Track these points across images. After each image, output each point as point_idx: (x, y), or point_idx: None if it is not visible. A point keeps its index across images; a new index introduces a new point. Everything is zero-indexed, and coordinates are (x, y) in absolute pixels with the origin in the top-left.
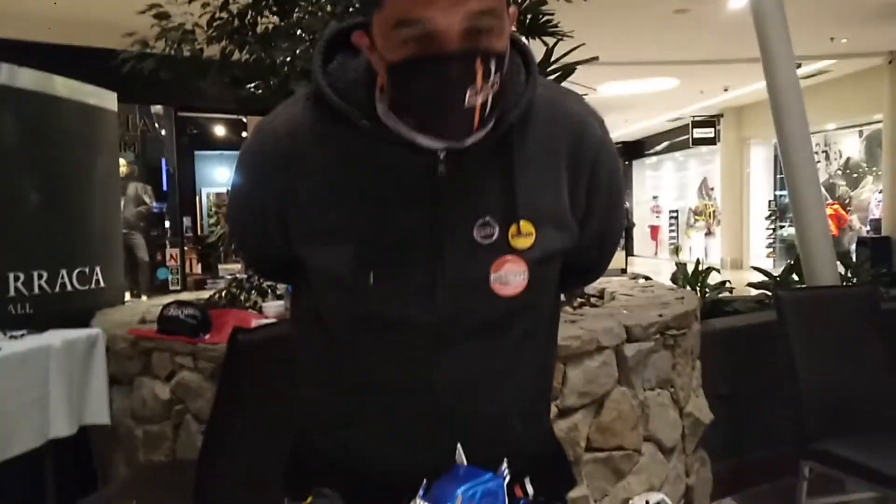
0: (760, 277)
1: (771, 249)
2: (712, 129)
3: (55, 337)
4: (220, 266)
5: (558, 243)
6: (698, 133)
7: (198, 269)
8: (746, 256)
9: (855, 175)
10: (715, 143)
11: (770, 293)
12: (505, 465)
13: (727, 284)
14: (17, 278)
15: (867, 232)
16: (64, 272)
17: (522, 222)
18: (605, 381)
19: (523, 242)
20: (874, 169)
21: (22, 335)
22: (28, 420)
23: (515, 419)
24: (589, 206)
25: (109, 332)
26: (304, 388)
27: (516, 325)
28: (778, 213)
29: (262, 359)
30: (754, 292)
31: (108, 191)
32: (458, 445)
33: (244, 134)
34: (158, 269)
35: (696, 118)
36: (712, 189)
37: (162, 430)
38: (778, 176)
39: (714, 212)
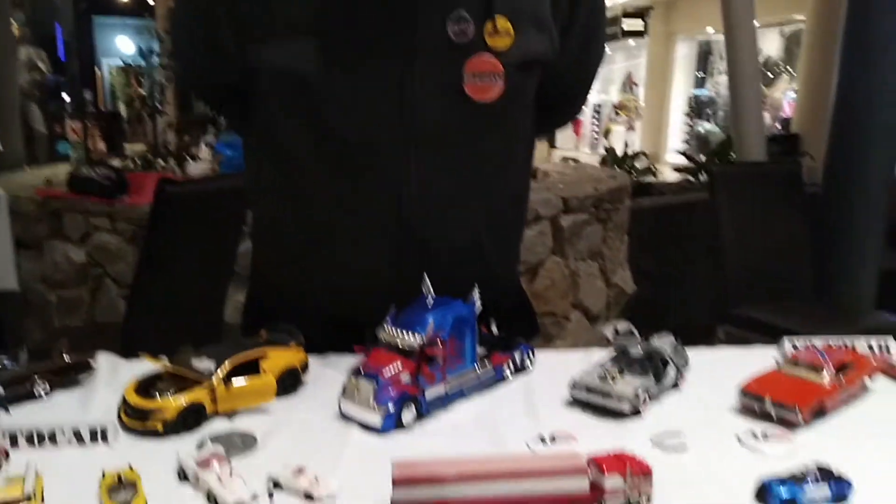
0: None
1: (687, 145)
2: (641, 22)
3: None
4: (125, 145)
5: (538, 47)
6: (628, 25)
7: (101, 146)
8: (663, 151)
9: (771, 74)
10: (643, 37)
11: (693, 178)
12: (476, 293)
13: (652, 169)
14: None
15: (778, 129)
16: None
17: (499, 18)
18: (541, 250)
19: (501, 42)
20: (790, 68)
21: None
22: None
23: (488, 248)
24: (572, 17)
25: (12, 194)
26: (259, 222)
27: (491, 141)
28: (696, 109)
29: (189, 211)
30: (676, 179)
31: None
32: (425, 275)
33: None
34: (58, 143)
35: (626, 9)
36: (636, 84)
37: (78, 295)
38: (696, 74)
39: (636, 107)
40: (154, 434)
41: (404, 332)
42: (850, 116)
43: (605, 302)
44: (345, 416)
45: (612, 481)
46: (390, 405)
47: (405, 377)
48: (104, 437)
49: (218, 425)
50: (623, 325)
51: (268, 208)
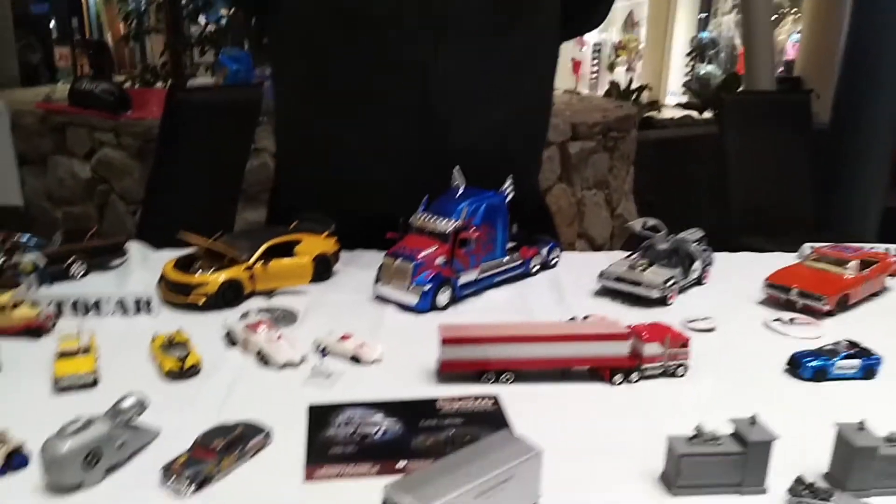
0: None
1: (687, 87)
2: None
3: None
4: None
5: None
6: None
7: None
8: (663, 93)
9: (776, 16)
10: None
11: (697, 113)
12: (509, 182)
13: (655, 104)
14: None
15: (780, 72)
16: None
17: None
18: (549, 176)
19: None
20: (794, 11)
21: None
22: None
23: (512, 148)
24: None
25: (13, 108)
26: (284, 118)
27: (519, 30)
28: (699, 50)
29: (199, 119)
30: (678, 115)
31: None
32: (457, 167)
33: None
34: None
35: None
36: (637, 23)
37: (84, 211)
38: (699, 15)
39: (637, 47)
40: (194, 308)
41: (438, 218)
42: (861, 53)
43: (610, 233)
44: (379, 299)
45: (651, 348)
46: (427, 285)
47: (440, 260)
48: (147, 307)
49: (256, 304)
50: (651, 221)
51: (294, 103)
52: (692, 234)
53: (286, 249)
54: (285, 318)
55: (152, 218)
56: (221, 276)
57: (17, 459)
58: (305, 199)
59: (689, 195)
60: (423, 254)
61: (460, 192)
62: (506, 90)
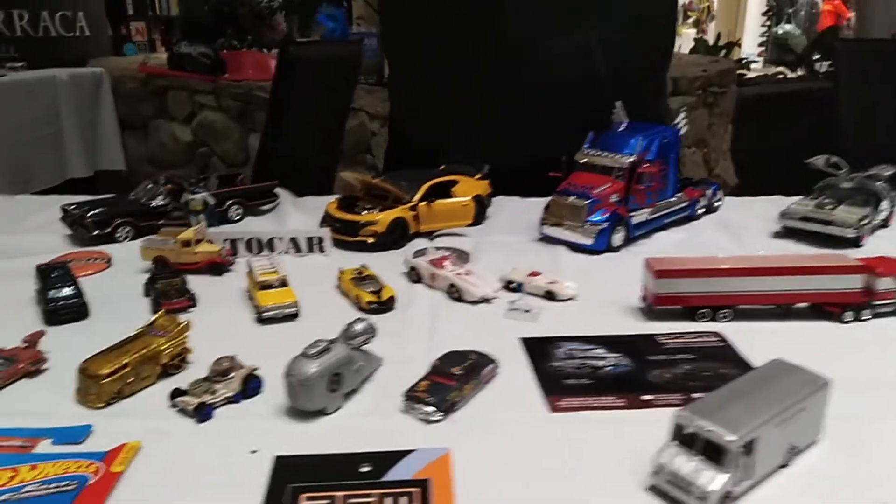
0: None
1: (763, 48)
2: None
3: (60, 71)
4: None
5: None
6: None
7: (162, 51)
8: (737, 54)
9: None
10: None
11: (790, 70)
12: (682, 116)
13: (744, 60)
14: None
15: None
16: (46, 14)
17: None
18: None
19: None
20: None
21: (22, 66)
22: (45, 156)
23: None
24: None
25: (114, 74)
26: (402, 75)
27: None
28: (777, 9)
29: (309, 70)
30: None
31: None
32: (619, 102)
33: None
34: (125, 46)
35: None
36: None
37: (186, 175)
38: None
39: (708, 7)
40: (361, 247)
41: (608, 153)
42: None
43: None
44: (547, 238)
45: (885, 283)
46: (603, 223)
47: (615, 197)
48: (320, 246)
49: (421, 243)
50: (833, 158)
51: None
52: (883, 171)
53: (444, 191)
54: (460, 257)
55: (265, 170)
56: (391, 215)
57: (252, 384)
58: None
59: (793, 153)
60: (597, 190)
61: (623, 126)
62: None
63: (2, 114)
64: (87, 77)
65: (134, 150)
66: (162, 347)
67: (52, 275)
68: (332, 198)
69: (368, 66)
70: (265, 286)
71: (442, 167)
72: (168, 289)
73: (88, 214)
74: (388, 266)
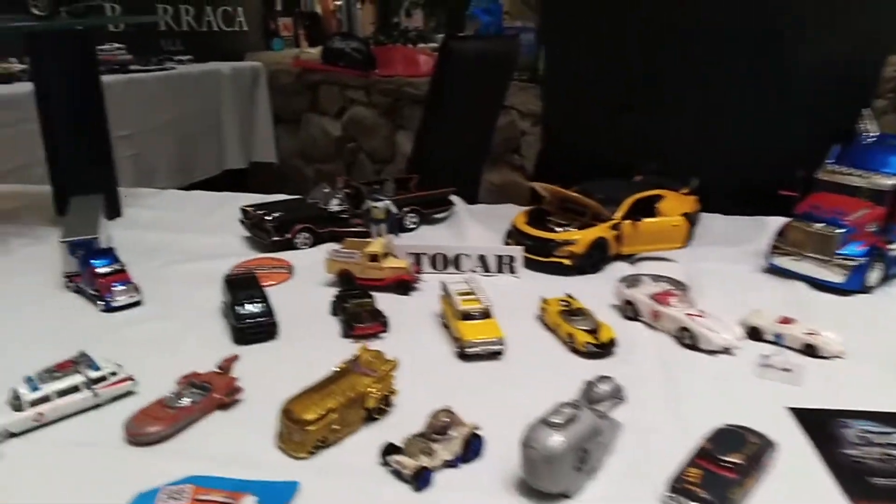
0: None
1: None
2: None
3: (222, 64)
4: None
5: None
6: None
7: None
8: None
9: None
10: None
11: None
12: (869, 120)
13: None
14: (165, 11)
15: None
16: (209, 9)
17: None
18: None
19: None
20: None
21: (189, 59)
22: (207, 147)
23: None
24: None
25: (269, 68)
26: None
27: None
28: None
29: (468, 66)
30: None
31: None
32: (867, 109)
33: None
34: (273, 40)
35: None
36: None
37: (334, 169)
38: None
39: None
40: (556, 269)
41: (864, 171)
42: None
43: None
44: (776, 270)
45: None
46: (860, 258)
47: (873, 226)
48: (511, 266)
49: (621, 268)
50: None
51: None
52: None
53: (647, 207)
54: (683, 290)
55: (419, 170)
56: (591, 234)
57: (474, 445)
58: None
59: None
60: (851, 217)
61: (871, 138)
62: None
63: (171, 105)
64: (246, 71)
65: (285, 143)
66: (369, 390)
67: (242, 289)
68: (517, 209)
69: (522, 62)
70: (467, 316)
71: (637, 178)
72: (360, 311)
73: (268, 218)
74: (588, 294)
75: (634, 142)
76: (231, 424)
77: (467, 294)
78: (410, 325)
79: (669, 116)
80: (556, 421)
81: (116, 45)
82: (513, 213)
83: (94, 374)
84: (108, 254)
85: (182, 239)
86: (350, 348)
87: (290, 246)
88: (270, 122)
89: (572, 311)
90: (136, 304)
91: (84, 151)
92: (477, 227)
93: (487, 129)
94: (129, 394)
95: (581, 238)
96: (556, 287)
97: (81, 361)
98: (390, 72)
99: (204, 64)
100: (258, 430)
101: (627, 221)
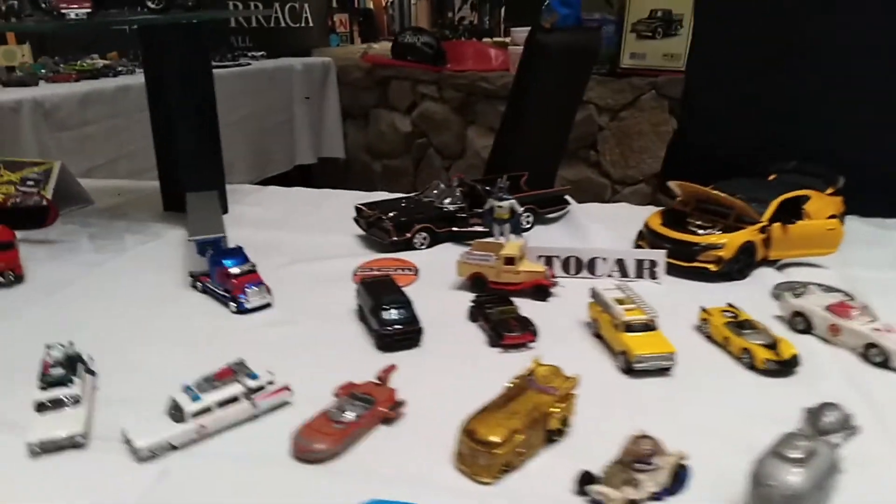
0: None
1: None
2: None
3: (294, 60)
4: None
5: None
6: None
7: (358, 42)
8: None
9: None
10: None
11: None
12: None
13: None
14: (235, 6)
15: None
16: (277, 6)
17: None
18: None
19: None
20: None
21: (262, 55)
22: (279, 142)
23: None
24: None
25: (340, 64)
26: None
27: None
28: None
29: (557, 58)
30: None
31: None
32: None
33: None
34: (330, 36)
35: None
36: None
37: (402, 165)
38: None
39: None
40: (700, 274)
41: None
42: None
43: None
44: None
45: None
46: None
47: None
48: (652, 271)
49: (769, 275)
50: None
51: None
52: None
53: (794, 209)
54: (859, 302)
55: (502, 167)
56: (739, 237)
57: (681, 476)
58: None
59: None
60: None
61: None
62: None
63: (246, 100)
64: (317, 66)
65: (353, 138)
66: (552, 410)
67: (383, 292)
68: (631, 208)
69: (602, 55)
70: (631, 328)
71: (772, 177)
72: (507, 318)
73: (386, 217)
74: (737, 303)
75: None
76: (396, 440)
77: (626, 303)
78: (557, 334)
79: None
80: (795, 455)
81: None
82: (627, 213)
83: (252, 384)
84: (238, 253)
85: (294, 237)
86: (499, 358)
87: (408, 246)
88: (339, 117)
89: (740, 324)
90: (267, 305)
91: (196, 146)
92: (597, 228)
93: (567, 124)
94: (283, 404)
95: (729, 242)
96: (701, 294)
97: (240, 370)
98: (461, 67)
99: (277, 60)
100: (426, 447)
101: (777, 224)
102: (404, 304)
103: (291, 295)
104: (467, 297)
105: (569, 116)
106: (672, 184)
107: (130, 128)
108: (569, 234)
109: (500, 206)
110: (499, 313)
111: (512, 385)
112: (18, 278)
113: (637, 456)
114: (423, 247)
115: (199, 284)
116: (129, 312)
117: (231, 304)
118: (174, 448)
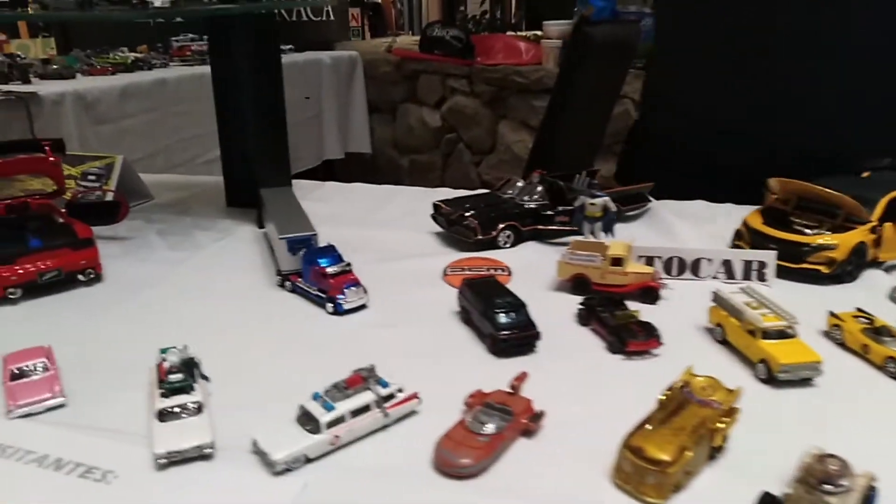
0: None
1: None
2: None
3: (322, 54)
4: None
5: None
6: None
7: (368, 37)
8: None
9: None
10: None
11: None
12: None
13: None
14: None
15: None
16: None
17: None
18: None
19: None
20: None
21: (290, 48)
22: (308, 137)
23: None
24: None
25: (367, 57)
26: None
27: None
28: None
29: (600, 52)
30: None
31: None
32: None
33: None
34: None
35: None
36: None
37: (430, 160)
38: None
39: None
40: (809, 276)
41: None
42: None
43: None
44: None
45: None
46: None
47: None
48: (761, 274)
49: (877, 277)
50: None
51: None
52: None
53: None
54: None
55: (541, 155)
56: (852, 238)
57: (871, 499)
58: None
59: None
60: None
61: None
62: None
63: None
64: (344, 60)
65: (380, 133)
66: (718, 425)
67: (493, 294)
68: (712, 206)
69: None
70: (768, 334)
71: (865, 174)
72: (629, 323)
73: (469, 215)
74: (851, 307)
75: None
76: (541, 455)
77: (758, 307)
78: (676, 340)
79: None
80: None
81: None
82: (708, 211)
83: (383, 392)
84: (332, 252)
85: (370, 235)
86: (622, 366)
87: (492, 245)
88: (365, 111)
89: (877, 330)
90: (363, 307)
91: (269, 141)
92: (684, 227)
93: (607, 118)
94: (411, 413)
95: (842, 242)
96: (810, 298)
97: (370, 376)
98: (491, 60)
99: (304, 53)
100: (575, 462)
101: (888, 224)
102: (518, 306)
103: (383, 295)
104: (567, 299)
105: (609, 110)
106: (772, 181)
107: (166, 122)
108: (653, 233)
109: (592, 204)
110: (618, 318)
111: (665, 397)
112: (98, 277)
113: (824, 476)
114: (506, 245)
115: (288, 284)
116: (222, 313)
117: (328, 304)
118: (308, 461)
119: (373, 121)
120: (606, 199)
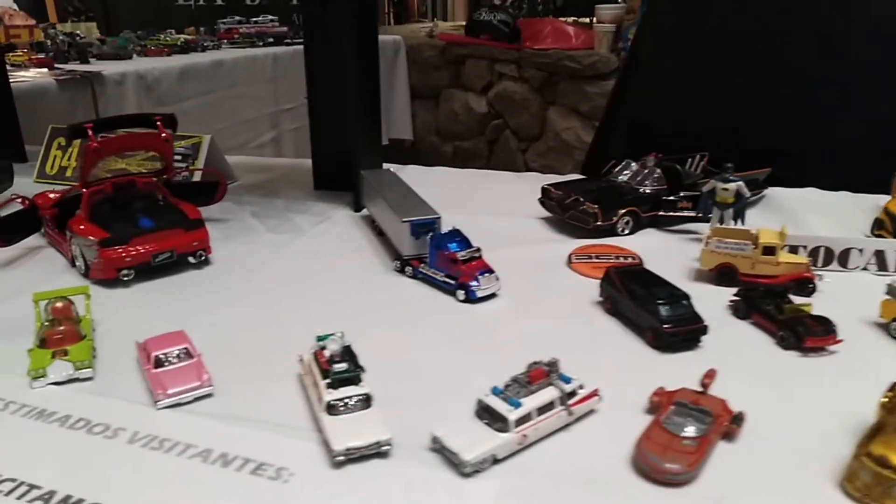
0: None
1: None
2: None
3: None
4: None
5: None
6: None
7: (392, 23)
8: None
9: None
10: None
11: None
12: None
13: None
14: None
15: None
16: None
17: None
18: None
19: None
20: None
21: None
22: None
23: None
24: None
25: (409, 42)
26: None
27: None
28: None
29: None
30: None
31: None
32: None
33: None
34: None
35: None
36: None
37: (474, 147)
38: None
39: None
40: None
41: None
42: None
43: None
44: None
45: None
46: None
47: None
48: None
49: None
50: None
51: None
52: None
53: None
54: None
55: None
56: None
57: None
58: None
59: None
60: None
61: None
62: None
63: None
64: (388, 44)
65: (422, 119)
66: None
67: (651, 284)
68: (843, 195)
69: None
70: None
71: None
72: (803, 317)
73: (587, 201)
74: None
75: None
76: (744, 459)
77: None
78: (845, 335)
79: None
80: None
81: (269, 16)
82: (822, 199)
83: (567, 388)
84: (459, 236)
85: (476, 220)
86: (797, 363)
87: (611, 232)
88: (408, 97)
89: None
90: (493, 295)
91: (368, 121)
92: (805, 213)
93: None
94: (591, 412)
95: None
96: None
97: (553, 371)
98: (539, 45)
99: None
100: (789, 469)
101: None
102: (681, 297)
103: (510, 283)
104: (709, 290)
105: None
106: None
107: (220, 105)
108: (774, 220)
109: (724, 189)
110: (787, 311)
111: (887, 400)
112: (207, 259)
113: None
114: (625, 232)
115: (409, 269)
116: (347, 298)
117: (459, 291)
118: (496, 461)
119: (414, 106)
120: (740, 183)
